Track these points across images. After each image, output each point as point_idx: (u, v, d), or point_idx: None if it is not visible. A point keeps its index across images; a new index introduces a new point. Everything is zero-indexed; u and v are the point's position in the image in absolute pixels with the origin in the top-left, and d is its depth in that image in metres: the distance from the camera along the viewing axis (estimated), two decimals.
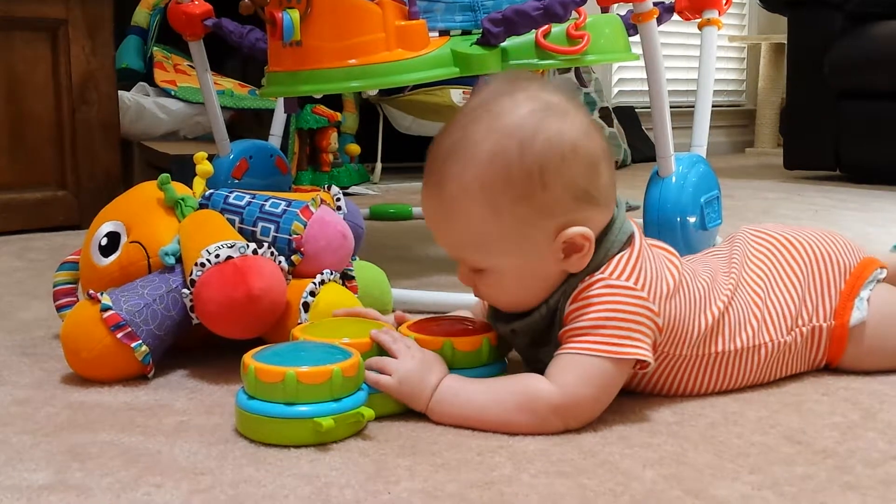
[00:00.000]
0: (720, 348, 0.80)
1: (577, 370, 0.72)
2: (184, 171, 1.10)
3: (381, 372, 0.75)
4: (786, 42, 2.95)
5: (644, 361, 0.74)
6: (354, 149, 2.56)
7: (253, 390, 0.71)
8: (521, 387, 0.73)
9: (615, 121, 3.28)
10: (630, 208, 0.82)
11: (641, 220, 1.27)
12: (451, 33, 1.19)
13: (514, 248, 0.75)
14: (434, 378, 0.75)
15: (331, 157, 2.47)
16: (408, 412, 0.75)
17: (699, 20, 1.43)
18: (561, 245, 0.74)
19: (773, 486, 0.63)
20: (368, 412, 0.71)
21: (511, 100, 0.74)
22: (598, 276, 0.75)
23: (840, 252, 0.87)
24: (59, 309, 0.98)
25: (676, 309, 0.77)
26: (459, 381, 0.75)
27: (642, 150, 3.38)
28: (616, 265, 0.75)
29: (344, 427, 0.70)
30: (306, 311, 0.87)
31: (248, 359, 0.72)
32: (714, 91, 1.41)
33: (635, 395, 0.81)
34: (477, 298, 0.84)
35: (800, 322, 0.84)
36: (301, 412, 0.69)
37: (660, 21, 1.27)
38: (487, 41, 1.13)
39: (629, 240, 0.77)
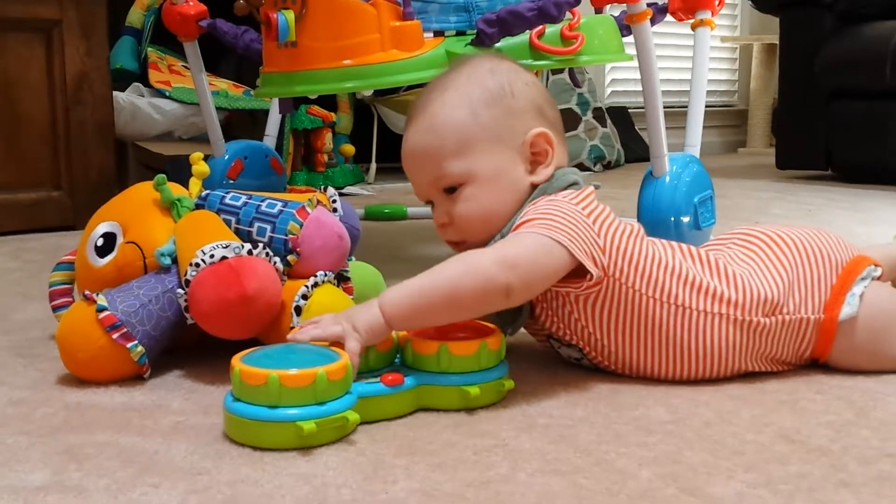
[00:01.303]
0: (686, 303, 0.82)
1: (513, 239, 0.80)
2: (178, 171, 1.10)
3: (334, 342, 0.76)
4: (777, 42, 2.96)
5: (583, 266, 0.79)
6: (349, 149, 2.57)
7: (238, 392, 0.71)
8: (460, 258, 0.79)
9: (608, 121, 3.29)
10: (594, 187, 0.89)
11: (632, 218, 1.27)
12: (446, 34, 1.19)
13: (490, 146, 0.85)
14: (373, 300, 0.77)
15: (325, 157, 2.47)
16: (401, 414, 0.76)
17: (692, 21, 1.44)
18: (528, 153, 0.86)
19: (768, 485, 0.63)
20: (354, 416, 0.70)
21: (478, 56, 0.93)
22: (542, 197, 0.84)
23: (832, 248, 0.88)
24: (55, 309, 0.98)
25: (626, 243, 0.83)
26: (399, 289, 0.77)
27: (635, 150, 3.39)
28: (563, 194, 0.84)
29: (328, 431, 0.69)
30: (298, 314, 0.87)
31: (235, 361, 0.72)
32: (706, 91, 1.41)
33: (630, 394, 0.81)
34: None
35: (784, 311, 0.84)
36: (283, 415, 0.69)
37: (653, 22, 1.28)
38: (482, 42, 1.14)
39: (575, 185, 0.86)
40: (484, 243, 0.84)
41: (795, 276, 0.86)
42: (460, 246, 0.87)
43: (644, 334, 0.83)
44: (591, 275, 0.79)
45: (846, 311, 0.85)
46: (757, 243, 0.88)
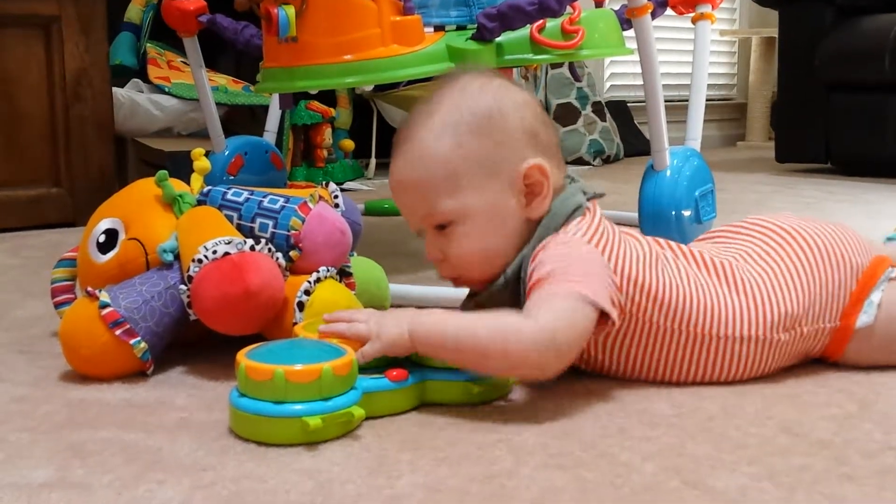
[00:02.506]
0: (705, 330, 0.80)
1: (548, 304, 0.73)
2: (178, 167, 1.10)
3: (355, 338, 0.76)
4: (776, 36, 2.95)
5: (608, 314, 0.74)
6: (348, 144, 2.56)
7: (244, 388, 0.71)
8: (502, 320, 0.73)
9: (608, 115, 3.29)
10: (595, 196, 0.85)
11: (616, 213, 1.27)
12: (447, 29, 1.19)
13: (480, 181, 0.80)
14: (408, 316, 0.76)
15: (325, 152, 2.47)
16: (405, 410, 0.76)
17: (693, 14, 1.44)
18: (522, 186, 0.80)
19: (771, 477, 0.63)
20: (359, 412, 0.70)
21: (467, 75, 0.85)
22: (551, 237, 0.79)
23: (852, 250, 0.85)
24: (56, 306, 0.98)
25: (639, 274, 0.79)
26: (435, 316, 0.76)
27: (634, 144, 3.38)
28: (571, 228, 0.80)
29: (333, 426, 0.70)
30: (301, 310, 0.87)
31: (241, 356, 0.72)
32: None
33: (633, 388, 0.81)
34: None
35: (804, 323, 0.82)
36: (289, 411, 0.69)
37: (654, 15, 1.28)
38: (482, 36, 1.14)
39: (580, 210, 0.81)
40: (482, 282, 0.83)
41: (816, 284, 0.83)
42: (458, 281, 0.85)
43: (660, 361, 0.81)
44: (613, 321, 0.75)
45: (863, 319, 0.84)
46: (777, 240, 0.85)
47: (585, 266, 0.76)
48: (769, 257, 0.84)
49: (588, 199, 0.83)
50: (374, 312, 0.79)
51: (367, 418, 0.73)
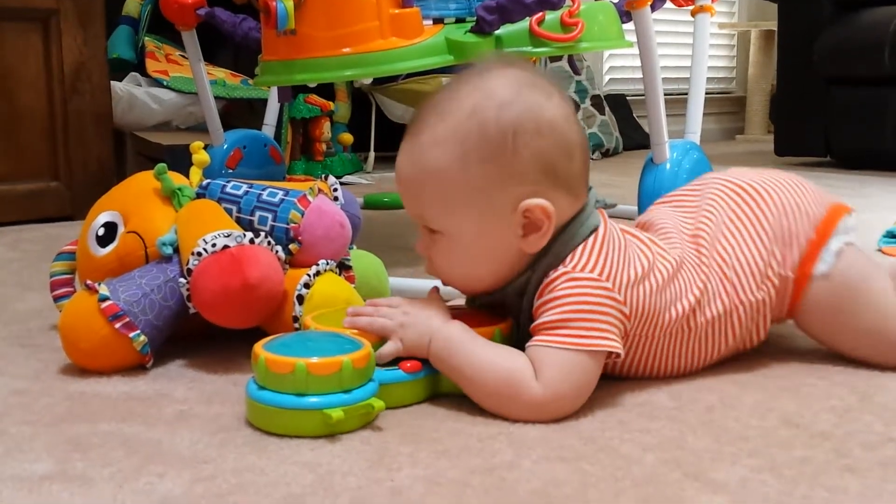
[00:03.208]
0: (695, 323, 0.81)
1: (556, 366, 0.72)
2: (177, 161, 1.09)
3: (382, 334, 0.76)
4: (775, 29, 2.95)
5: (616, 353, 0.75)
6: (347, 138, 2.56)
7: (263, 380, 0.71)
8: (507, 372, 0.73)
9: (606, 109, 3.28)
10: (606, 206, 0.82)
11: (610, 214, 1.26)
12: (445, 21, 1.19)
13: (475, 209, 0.75)
14: (433, 324, 0.76)
15: (324, 146, 2.47)
16: (419, 401, 0.76)
17: (692, 7, 1.44)
18: (521, 218, 0.75)
19: (772, 469, 0.63)
20: (379, 404, 0.71)
21: (501, 72, 0.77)
22: (561, 269, 0.75)
23: (808, 200, 0.86)
24: (56, 299, 0.97)
25: (647, 296, 0.77)
26: (457, 337, 0.75)
27: (634, 137, 3.38)
28: (580, 256, 0.76)
29: (354, 419, 0.70)
30: (300, 303, 0.87)
31: (259, 349, 0.72)
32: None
33: (632, 381, 0.81)
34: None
35: (770, 273, 0.83)
36: (311, 403, 0.69)
37: (653, 8, 1.28)
38: (481, 29, 1.13)
39: (594, 232, 0.77)
40: (463, 293, 0.82)
41: (778, 234, 0.83)
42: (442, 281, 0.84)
43: (660, 360, 0.81)
44: (619, 354, 0.75)
45: (821, 267, 0.83)
46: (742, 197, 0.85)
47: (593, 310, 0.74)
48: (736, 219, 0.84)
49: (596, 209, 0.80)
50: (401, 305, 0.78)
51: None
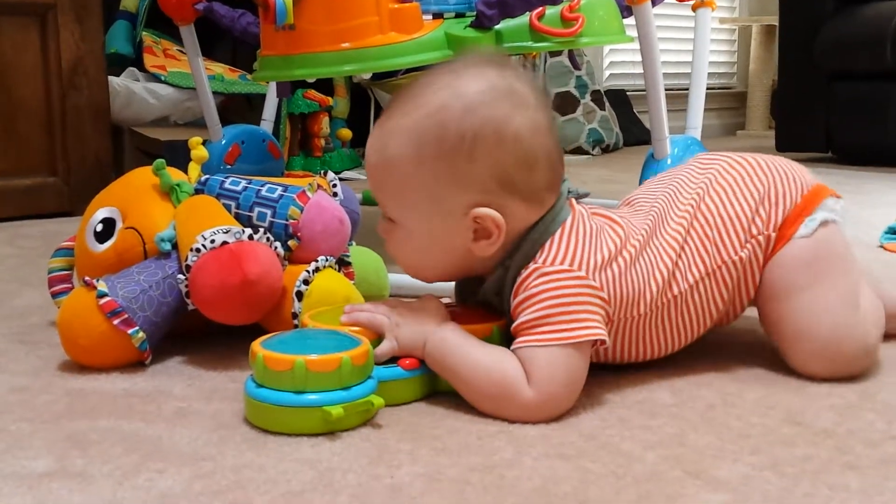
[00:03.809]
0: (678, 289, 0.80)
1: (543, 366, 0.72)
2: (175, 156, 1.09)
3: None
4: (776, 24, 2.94)
5: (601, 339, 0.74)
6: (346, 133, 2.56)
7: (261, 378, 0.71)
8: (500, 376, 0.72)
9: (607, 104, 3.28)
10: (579, 196, 0.81)
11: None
12: (445, 16, 1.19)
13: (426, 207, 0.76)
14: (429, 326, 0.76)
15: (322, 141, 2.46)
16: (417, 398, 0.76)
17: (693, 2, 1.43)
18: (471, 223, 0.75)
19: (774, 467, 0.63)
20: (378, 401, 0.70)
21: (479, 72, 0.76)
22: (532, 266, 0.75)
23: (800, 172, 0.85)
24: (54, 296, 0.97)
25: (622, 274, 0.76)
26: (451, 339, 0.75)
27: (634, 133, 3.38)
28: (548, 250, 0.75)
29: (353, 416, 0.70)
30: (300, 299, 0.87)
31: (257, 346, 0.72)
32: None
33: (632, 378, 0.81)
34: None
35: (753, 230, 0.81)
36: (310, 400, 0.69)
37: (654, 3, 1.27)
38: (481, 24, 1.13)
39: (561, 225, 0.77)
40: (419, 280, 0.82)
41: (764, 193, 0.82)
42: None
43: (642, 339, 0.80)
44: (604, 342, 0.75)
45: (802, 231, 0.81)
46: (734, 163, 0.85)
47: (570, 301, 0.73)
48: (724, 179, 0.83)
49: (567, 200, 0.79)
50: (397, 306, 0.78)
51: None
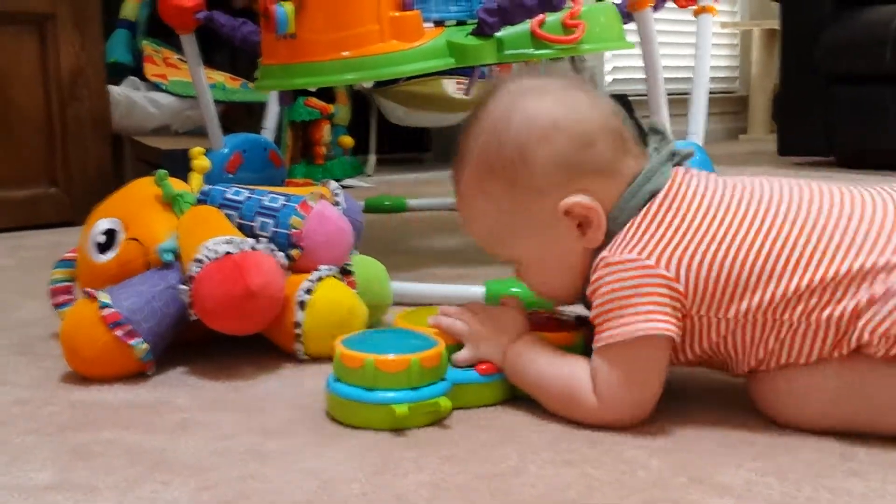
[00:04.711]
0: (810, 319, 0.68)
1: (602, 371, 0.70)
2: (176, 165, 1.09)
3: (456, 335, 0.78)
4: (778, 28, 2.95)
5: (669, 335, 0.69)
6: (347, 141, 2.56)
7: (338, 373, 0.74)
8: (568, 388, 0.72)
9: None
10: (682, 158, 0.75)
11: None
12: (446, 24, 1.19)
13: (526, 234, 0.75)
14: (506, 339, 0.76)
15: (324, 149, 2.46)
16: (493, 403, 0.76)
17: (694, 7, 1.43)
18: (568, 219, 0.73)
19: (777, 473, 0.63)
20: (446, 403, 0.72)
21: (494, 97, 0.77)
22: (600, 255, 0.71)
23: None
24: (56, 307, 0.97)
25: (708, 269, 0.68)
26: (525, 354, 0.75)
27: None
28: (624, 235, 0.71)
29: (420, 415, 0.71)
30: (302, 309, 0.87)
31: (337, 343, 0.75)
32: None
33: None
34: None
35: None
36: (378, 398, 0.71)
37: (655, 9, 1.27)
38: (483, 31, 1.13)
39: (650, 201, 0.72)
40: (565, 304, 0.81)
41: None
42: None
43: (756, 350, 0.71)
44: (674, 338, 0.70)
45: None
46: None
47: (631, 294, 0.69)
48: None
49: (663, 166, 0.73)
50: (480, 312, 0.79)
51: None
